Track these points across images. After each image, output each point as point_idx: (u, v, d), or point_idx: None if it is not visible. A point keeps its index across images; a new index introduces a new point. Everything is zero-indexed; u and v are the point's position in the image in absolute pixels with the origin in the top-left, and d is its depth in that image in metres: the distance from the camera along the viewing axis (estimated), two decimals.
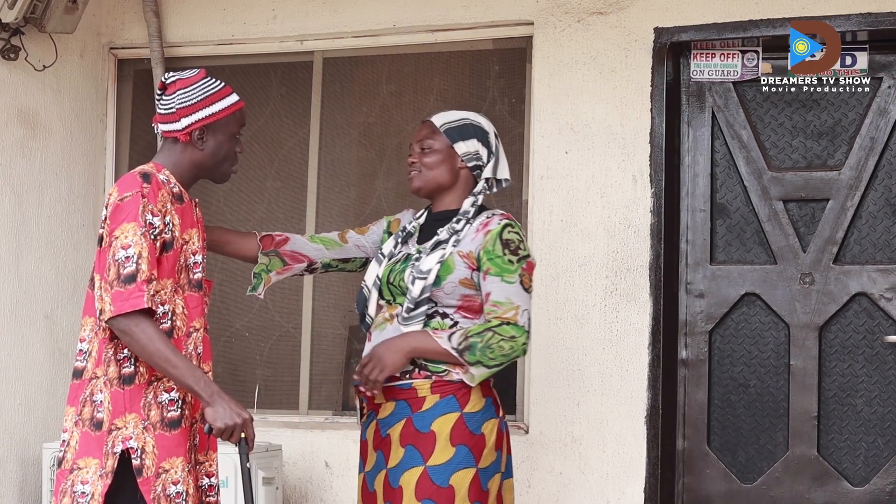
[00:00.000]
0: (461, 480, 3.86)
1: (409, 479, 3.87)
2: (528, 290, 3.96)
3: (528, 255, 3.98)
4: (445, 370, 3.93)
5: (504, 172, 4.14)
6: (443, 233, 4.02)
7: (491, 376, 4.02)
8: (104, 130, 6.75)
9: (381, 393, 4.00)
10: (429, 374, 3.93)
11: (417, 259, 3.99)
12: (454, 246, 3.97)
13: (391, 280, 4.02)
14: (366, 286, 4.09)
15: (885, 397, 5.76)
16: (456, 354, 3.86)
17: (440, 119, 4.11)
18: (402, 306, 3.96)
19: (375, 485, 4.00)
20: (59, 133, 6.44)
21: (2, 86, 6.14)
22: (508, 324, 3.89)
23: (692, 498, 5.94)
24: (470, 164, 4.07)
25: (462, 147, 4.06)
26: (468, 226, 4.01)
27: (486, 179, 4.10)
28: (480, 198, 4.07)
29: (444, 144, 4.07)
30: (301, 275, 4.35)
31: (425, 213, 4.17)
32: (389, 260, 4.08)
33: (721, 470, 5.91)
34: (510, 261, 3.93)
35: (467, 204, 4.05)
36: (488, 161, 4.08)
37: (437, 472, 3.86)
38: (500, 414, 4.02)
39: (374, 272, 4.09)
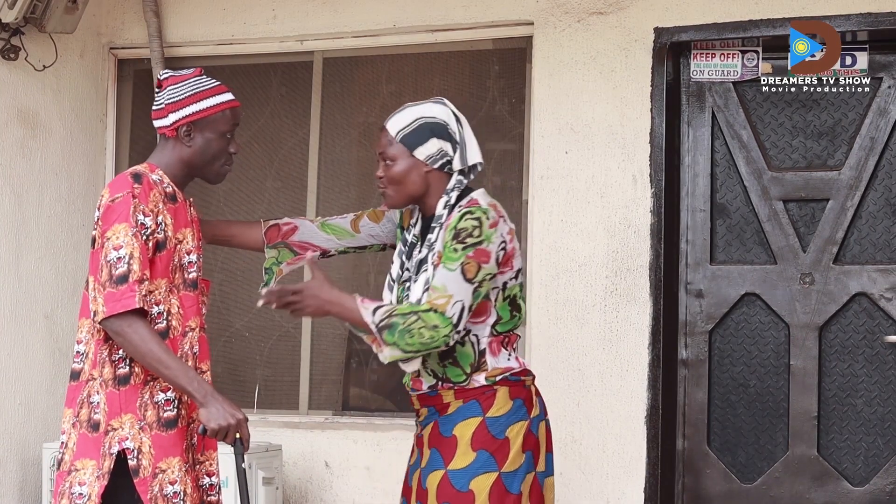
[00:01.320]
0: (481, 485, 3.80)
1: (432, 482, 3.83)
2: (471, 280, 3.74)
3: (479, 243, 3.75)
4: (466, 380, 3.88)
5: (473, 157, 3.90)
6: (424, 250, 3.87)
7: (531, 374, 3.94)
8: (104, 130, 6.75)
9: (416, 399, 3.95)
10: (451, 384, 3.89)
11: (408, 288, 3.87)
12: (431, 259, 3.82)
13: (399, 301, 3.94)
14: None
15: (885, 397, 5.76)
16: (374, 330, 3.71)
17: (394, 126, 3.88)
18: None
19: (412, 480, 3.97)
20: (59, 133, 6.44)
21: (2, 86, 6.14)
22: (436, 311, 3.70)
23: (692, 498, 5.94)
24: (436, 166, 3.87)
25: (422, 152, 3.85)
26: (441, 231, 3.84)
27: (459, 171, 3.89)
28: (454, 195, 3.86)
29: (405, 154, 3.85)
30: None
31: (419, 219, 4.00)
32: (397, 285, 3.99)
33: (721, 470, 5.91)
34: (454, 248, 3.73)
35: (440, 207, 3.86)
36: (455, 153, 3.87)
37: (456, 476, 3.81)
38: (535, 413, 3.89)
39: (387, 300, 3.95)
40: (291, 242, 4.13)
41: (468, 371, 3.85)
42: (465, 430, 3.84)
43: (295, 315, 3.88)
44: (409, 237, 3.98)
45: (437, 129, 3.88)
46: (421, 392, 3.92)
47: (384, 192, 3.93)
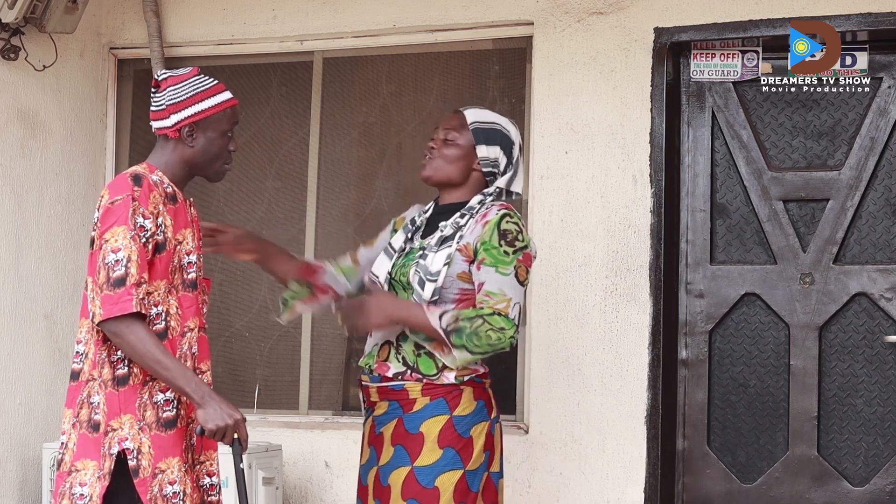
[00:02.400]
0: (447, 482, 3.87)
1: (397, 479, 3.89)
2: (522, 283, 3.91)
3: (525, 247, 3.93)
4: (437, 374, 3.92)
5: (518, 187, 4.10)
6: (447, 228, 3.98)
7: (490, 377, 4.02)
8: (104, 130, 6.75)
9: (375, 390, 4.00)
10: (420, 376, 3.92)
11: (422, 256, 3.96)
12: (458, 242, 3.94)
13: (393, 275, 4.00)
14: (378, 281, 4.05)
15: (884, 397, 5.76)
16: (443, 335, 3.83)
17: (473, 115, 4.06)
18: None
19: (368, 479, 4.03)
20: (59, 133, 6.44)
21: (2, 86, 6.14)
22: (500, 314, 3.83)
23: (692, 498, 5.94)
24: (485, 170, 4.04)
25: (483, 151, 4.02)
26: (471, 220, 3.97)
27: (499, 188, 4.06)
28: (489, 200, 4.03)
29: (468, 142, 4.03)
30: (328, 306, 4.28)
31: (433, 206, 4.13)
32: (398, 255, 4.05)
33: (721, 470, 5.91)
34: (506, 252, 3.89)
35: (475, 201, 4.01)
36: (505, 171, 4.05)
37: (422, 473, 3.87)
38: (493, 415, 4.00)
39: (384, 267, 4.04)
40: (315, 282, 4.20)
41: (440, 365, 3.92)
42: (432, 428, 3.90)
43: (363, 330, 3.98)
44: (418, 220, 4.09)
45: (504, 142, 4.06)
46: (384, 383, 3.95)
47: (427, 163, 4.06)
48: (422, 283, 3.91)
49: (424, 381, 3.91)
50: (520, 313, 3.88)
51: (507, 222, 3.93)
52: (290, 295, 4.23)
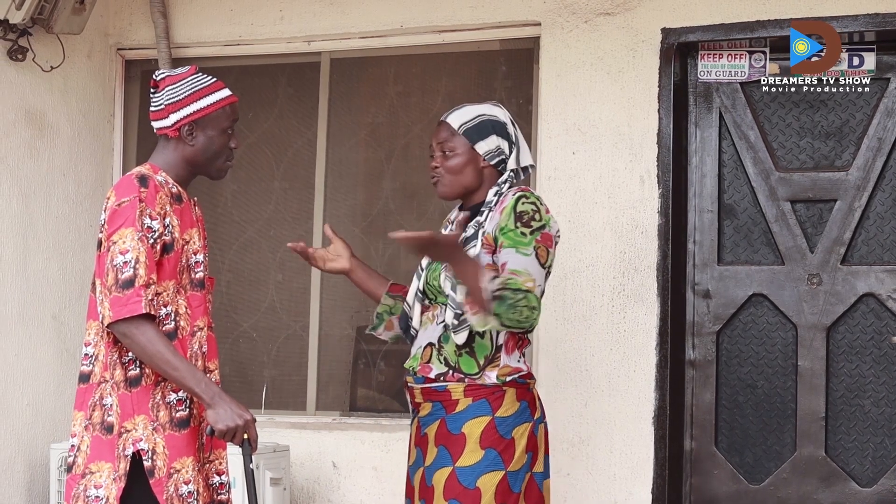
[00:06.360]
0: (488, 483, 3.86)
1: (439, 479, 3.89)
2: (543, 265, 3.87)
3: (543, 226, 3.88)
4: (478, 373, 3.91)
5: (527, 159, 4.07)
6: (470, 229, 3.97)
7: (533, 378, 3.99)
8: (111, 131, 6.76)
9: (419, 392, 3.99)
10: (462, 375, 3.92)
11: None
12: (480, 237, 3.92)
13: (429, 281, 4.00)
14: (407, 304, 4.06)
15: (892, 398, 5.76)
16: (488, 298, 3.76)
17: (457, 119, 4.04)
18: (445, 309, 3.92)
19: (415, 480, 4.03)
20: (66, 134, 6.44)
21: (10, 87, 6.15)
22: (533, 293, 3.80)
23: (700, 498, 5.94)
24: (493, 162, 4.02)
25: (483, 147, 4.00)
26: (490, 213, 3.96)
27: (512, 170, 4.04)
28: (505, 187, 4.01)
29: (465, 147, 4.01)
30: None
31: (457, 213, 4.12)
32: (425, 271, 4.04)
33: (729, 471, 5.91)
34: (523, 233, 3.86)
35: (490, 194, 4.00)
36: (511, 153, 4.04)
37: (464, 474, 3.86)
38: (537, 416, 3.98)
39: (414, 286, 4.05)
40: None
41: (482, 364, 3.92)
42: (473, 429, 3.89)
43: (419, 254, 3.94)
44: (444, 231, 4.08)
45: (497, 127, 4.04)
46: (427, 385, 3.96)
47: (438, 181, 4.05)
48: (454, 287, 3.90)
49: (466, 381, 3.90)
50: (541, 297, 3.85)
51: (523, 203, 3.90)
52: (385, 309, 4.24)
